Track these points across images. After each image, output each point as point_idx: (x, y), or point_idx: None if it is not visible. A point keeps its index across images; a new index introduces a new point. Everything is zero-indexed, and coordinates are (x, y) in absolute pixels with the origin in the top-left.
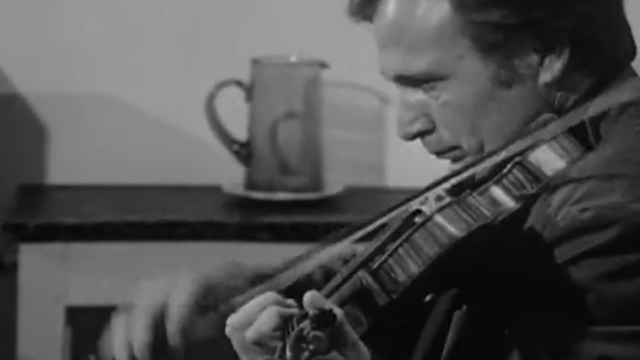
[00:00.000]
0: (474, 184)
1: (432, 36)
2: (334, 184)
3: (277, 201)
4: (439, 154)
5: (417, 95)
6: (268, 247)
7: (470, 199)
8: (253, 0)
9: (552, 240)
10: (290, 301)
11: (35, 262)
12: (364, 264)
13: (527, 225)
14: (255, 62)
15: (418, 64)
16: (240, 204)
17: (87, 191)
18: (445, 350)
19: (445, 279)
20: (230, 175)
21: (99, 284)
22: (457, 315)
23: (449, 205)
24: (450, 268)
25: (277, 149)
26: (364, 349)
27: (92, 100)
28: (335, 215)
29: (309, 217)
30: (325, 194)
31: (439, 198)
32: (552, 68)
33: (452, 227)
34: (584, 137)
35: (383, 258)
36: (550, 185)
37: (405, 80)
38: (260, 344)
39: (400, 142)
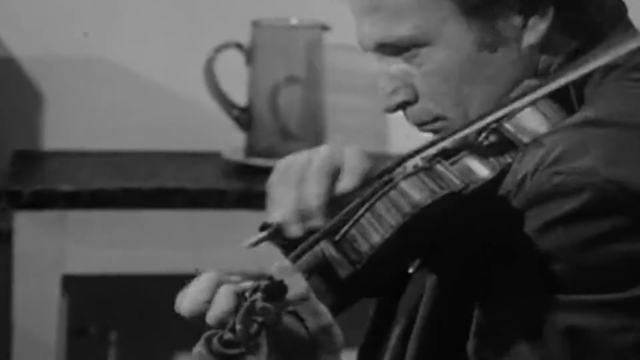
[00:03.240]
0: (450, 153)
1: (414, 0)
2: None
3: None
4: (423, 125)
5: (398, 66)
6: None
7: (439, 167)
8: None
9: (524, 206)
10: (235, 277)
11: (30, 230)
12: (327, 234)
13: (504, 188)
14: (256, 24)
15: (401, 30)
16: (241, 170)
17: (84, 157)
18: (418, 318)
19: (411, 247)
20: (230, 141)
21: (96, 252)
22: (427, 286)
23: (415, 173)
24: (415, 236)
25: (278, 114)
26: (335, 326)
27: (89, 65)
28: None
29: None
30: None
31: (416, 167)
32: (537, 29)
33: (415, 195)
34: (567, 101)
35: (346, 228)
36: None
37: (387, 49)
38: (222, 324)
39: None
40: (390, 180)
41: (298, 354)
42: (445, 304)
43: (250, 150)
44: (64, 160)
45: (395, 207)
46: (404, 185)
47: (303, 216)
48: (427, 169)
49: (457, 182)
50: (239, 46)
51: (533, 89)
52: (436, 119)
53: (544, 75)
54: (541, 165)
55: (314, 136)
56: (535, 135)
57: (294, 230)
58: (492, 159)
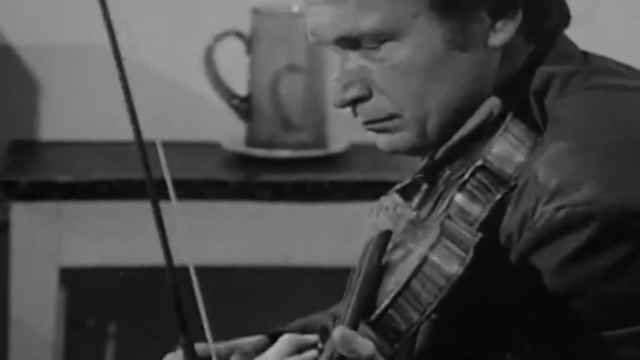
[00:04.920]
0: (421, 183)
1: None
2: (338, 140)
3: (279, 158)
4: (373, 122)
5: (355, 60)
6: (269, 206)
7: (449, 223)
8: None
9: (531, 247)
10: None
11: (27, 221)
12: (361, 314)
13: (502, 232)
14: (256, 12)
15: (367, 23)
16: (241, 161)
17: (82, 148)
18: (415, 352)
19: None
20: (230, 132)
21: (94, 244)
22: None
23: (438, 241)
24: (447, 300)
25: (279, 103)
26: None
27: (87, 53)
28: (340, 173)
29: (312, 175)
30: (329, 151)
31: (397, 206)
32: (504, 32)
33: (446, 266)
34: (529, 115)
35: (382, 309)
36: (516, 186)
37: (347, 42)
38: None
39: None
40: (388, 233)
41: None
42: (444, 344)
43: (251, 141)
44: (62, 151)
45: (430, 282)
46: (434, 257)
47: None
48: (444, 232)
49: (469, 235)
50: (239, 35)
51: (496, 109)
52: (390, 116)
53: (501, 82)
54: (540, 202)
55: (315, 126)
56: (516, 164)
57: None
58: (480, 196)
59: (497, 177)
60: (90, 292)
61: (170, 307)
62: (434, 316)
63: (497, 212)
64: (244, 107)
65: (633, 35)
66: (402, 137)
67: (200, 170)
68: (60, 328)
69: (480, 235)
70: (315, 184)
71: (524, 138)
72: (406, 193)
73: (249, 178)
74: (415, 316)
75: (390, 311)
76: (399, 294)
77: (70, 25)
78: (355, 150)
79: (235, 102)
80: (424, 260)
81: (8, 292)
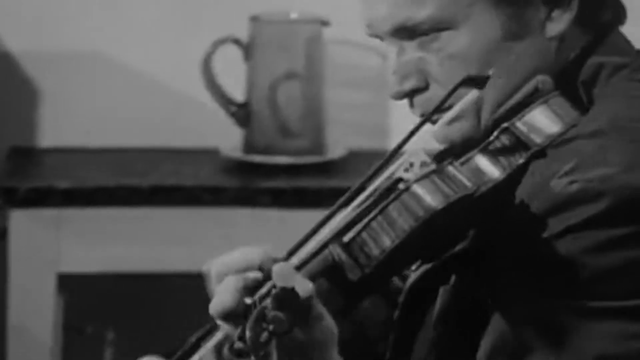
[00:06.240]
0: (459, 152)
1: None
2: (336, 146)
3: (277, 165)
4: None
5: (412, 53)
6: (268, 212)
7: (451, 169)
8: None
9: (541, 213)
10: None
11: (26, 228)
12: (337, 236)
13: (518, 194)
14: (254, 19)
15: (425, 12)
16: (239, 167)
17: (81, 154)
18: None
19: (422, 250)
20: (228, 138)
21: (93, 250)
22: (442, 290)
23: (426, 175)
24: (427, 240)
25: (277, 110)
26: (329, 323)
27: (86, 60)
28: (338, 180)
29: (311, 182)
30: (327, 157)
31: (424, 164)
32: (560, 21)
33: (428, 199)
34: (578, 99)
35: (356, 231)
36: (541, 153)
37: (404, 33)
38: (223, 318)
39: (405, 102)
40: (399, 180)
41: (297, 355)
42: (459, 307)
43: (249, 147)
44: (61, 157)
45: (407, 210)
46: (417, 188)
47: None
48: (439, 171)
49: (469, 184)
50: (237, 41)
51: (545, 86)
52: (445, 108)
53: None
54: (559, 172)
55: (314, 132)
56: (548, 135)
57: None
58: (502, 159)
59: (521, 143)
60: (88, 299)
61: (168, 313)
62: (413, 271)
63: (519, 176)
64: (242, 113)
65: None
66: (459, 128)
67: (198, 177)
68: (59, 334)
69: (482, 189)
70: (314, 190)
71: (565, 113)
72: (440, 158)
73: (247, 184)
74: (387, 241)
75: (364, 234)
76: (374, 217)
77: (69, 32)
78: (354, 157)
79: (233, 108)
80: (406, 189)
81: (7, 298)
